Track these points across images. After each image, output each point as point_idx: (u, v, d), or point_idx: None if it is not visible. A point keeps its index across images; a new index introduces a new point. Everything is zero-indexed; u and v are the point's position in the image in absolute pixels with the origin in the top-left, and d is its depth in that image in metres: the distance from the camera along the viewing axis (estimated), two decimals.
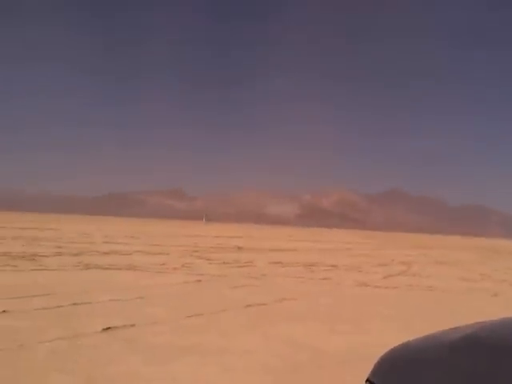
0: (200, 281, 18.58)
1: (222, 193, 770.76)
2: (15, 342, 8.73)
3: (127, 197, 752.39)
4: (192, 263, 25.56)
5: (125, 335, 9.67)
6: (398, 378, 2.17)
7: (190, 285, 17.46)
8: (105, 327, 10.02)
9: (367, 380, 2.30)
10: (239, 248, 42.49)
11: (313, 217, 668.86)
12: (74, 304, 12.39)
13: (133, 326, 10.41)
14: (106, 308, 12.34)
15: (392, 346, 2.46)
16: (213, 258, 29.91)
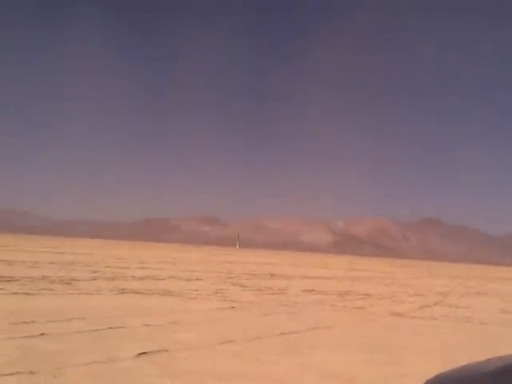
0: (233, 307, 18.58)
1: (256, 219, 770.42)
2: (52, 364, 8.88)
3: (163, 222, 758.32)
4: (225, 289, 25.59)
5: (159, 360, 9.74)
6: None
7: (223, 311, 17.48)
8: (140, 352, 10.11)
9: None
10: (272, 275, 42.36)
11: (346, 244, 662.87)
12: (110, 328, 12.54)
13: (167, 351, 10.48)
14: (141, 333, 12.45)
15: (428, 377, 2.47)
16: (246, 284, 29.89)
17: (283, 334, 13.55)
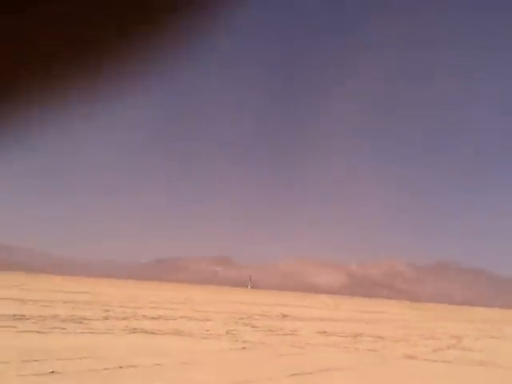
0: (245, 348, 18.46)
1: (270, 261, 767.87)
2: None
3: (175, 263, 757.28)
4: (237, 330, 25.42)
5: None
6: None
7: (234, 352, 17.38)
8: None
9: None
10: (284, 316, 42.01)
11: (360, 287, 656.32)
12: (120, 367, 12.52)
13: None
14: (151, 372, 12.41)
15: None
16: (257, 325, 29.66)
17: (295, 374, 13.44)
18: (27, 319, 22.86)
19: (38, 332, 18.61)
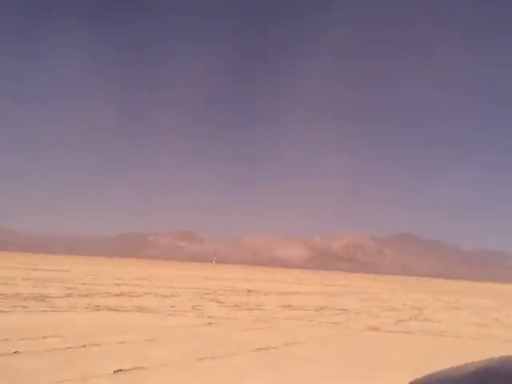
0: (210, 323, 18.47)
1: (233, 236, 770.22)
2: (26, 382, 8.74)
3: (138, 238, 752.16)
4: (202, 305, 25.45)
5: (136, 378, 9.63)
6: None
7: (200, 327, 17.37)
8: (115, 369, 9.98)
9: None
10: (249, 291, 42.25)
11: (323, 260, 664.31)
12: (84, 346, 12.37)
13: (143, 368, 10.36)
14: (116, 350, 12.30)
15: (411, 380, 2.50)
16: (223, 300, 29.76)
17: (261, 349, 13.51)
18: None
19: None
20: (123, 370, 10.01)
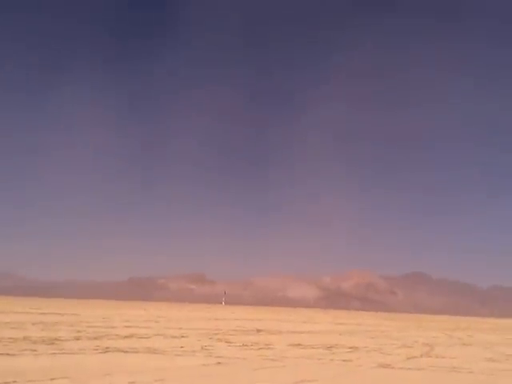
0: (220, 363, 18.39)
1: (243, 277, 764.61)
2: None
3: (148, 282, 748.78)
4: (211, 346, 25.30)
5: None
6: None
7: (209, 367, 17.29)
8: None
9: None
10: (259, 330, 41.92)
11: (333, 299, 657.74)
12: None
13: None
14: None
15: None
16: (232, 340, 29.56)
17: None
18: None
19: (8, 354, 18.29)
20: None
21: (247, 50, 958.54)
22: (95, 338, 26.88)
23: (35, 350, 20.09)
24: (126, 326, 39.53)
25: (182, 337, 30.75)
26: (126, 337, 28.88)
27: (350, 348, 27.67)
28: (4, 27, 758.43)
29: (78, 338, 26.48)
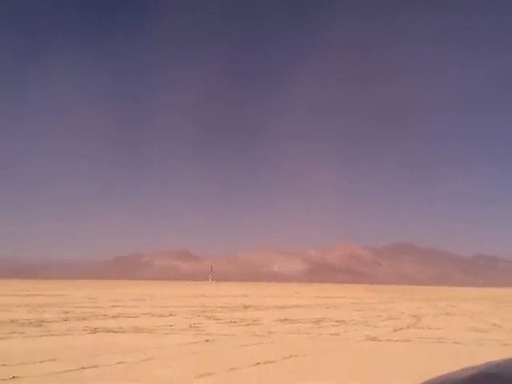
0: (208, 340, 18.45)
1: (228, 252, 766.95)
2: None
3: (133, 259, 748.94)
4: (199, 323, 25.39)
5: None
6: None
7: (198, 345, 17.35)
8: None
9: None
10: (246, 306, 42.17)
11: (319, 272, 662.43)
12: (82, 368, 12.36)
13: None
14: (115, 371, 12.29)
15: None
16: (220, 317, 29.71)
17: (259, 363, 13.52)
18: None
19: None
20: None
21: (225, 24, 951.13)
22: (83, 319, 26.86)
23: (23, 333, 20.02)
24: (113, 306, 39.55)
25: (170, 315, 30.81)
26: (113, 316, 28.89)
27: (337, 321, 27.93)
28: None
29: (65, 319, 26.43)
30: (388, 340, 19.73)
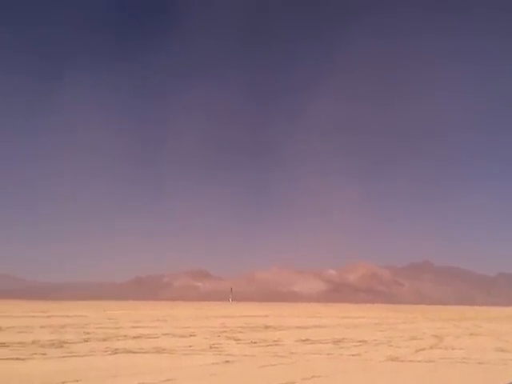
0: (228, 361, 18.39)
1: (247, 272, 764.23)
2: None
3: (154, 280, 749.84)
4: (220, 344, 25.31)
5: None
6: None
7: (218, 366, 17.30)
8: None
9: None
10: (266, 327, 41.94)
11: (339, 292, 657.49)
12: None
13: None
14: None
15: None
16: (240, 337, 29.58)
17: None
18: (7, 346, 22.50)
19: (17, 359, 18.31)
20: None
21: (246, 47, 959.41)
22: (104, 340, 26.91)
23: (45, 354, 20.12)
24: (133, 327, 39.57)
25: (190, 336, 30.77)
26: (134, 337, 28.92)
27: (359, 342, 27.66)
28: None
29: (87, 340, 26.51)
30: (410, 361, 19.49)
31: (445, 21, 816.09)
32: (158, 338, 29.04)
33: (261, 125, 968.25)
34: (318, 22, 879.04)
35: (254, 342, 26.39)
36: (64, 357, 19.36)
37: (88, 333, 32.00)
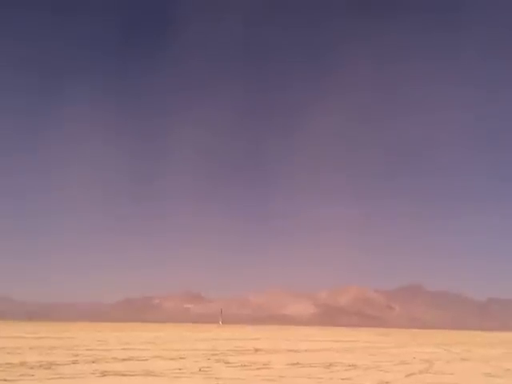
0: None
1: (239, 295, 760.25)
2: None
3: (143, 301, 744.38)
4: (209, 367, 25.19)
5: None
6: None
7: None
8: None
9: None
10: (257, 350, 41.75)
11: (329, 315, 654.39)
12: None
13: None
14: None
15: None
16: (230, 360, 29.44)
17: None
18: None
19: (4, 380, 18.18)
20: None
21: (241, 65, 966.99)
22: (93, 362, 26.75)
23: (32, 375, 19.98)
24: (123, 349, 39.31)
25: (180, 358, 30.61)
26: (123, 359, 28.75)
27: (349, 366, 27.60)
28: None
29: (75, 362, 26.35)
30: None
31: (443, 40, 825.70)
32: (147, 360, 28.88)
33: (258, 140, 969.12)
34: (316, 42, 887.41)
35: (244, 365, 26.30)
36: (51, 379, 19.24)
37: (76, 354, 31.79)
